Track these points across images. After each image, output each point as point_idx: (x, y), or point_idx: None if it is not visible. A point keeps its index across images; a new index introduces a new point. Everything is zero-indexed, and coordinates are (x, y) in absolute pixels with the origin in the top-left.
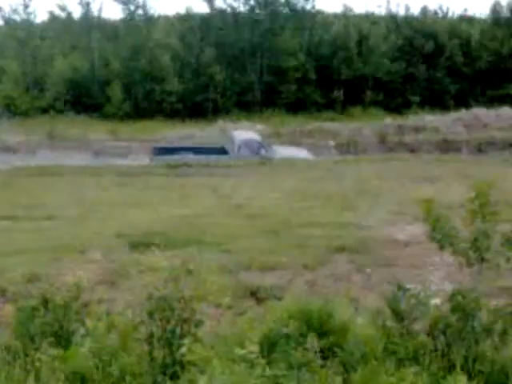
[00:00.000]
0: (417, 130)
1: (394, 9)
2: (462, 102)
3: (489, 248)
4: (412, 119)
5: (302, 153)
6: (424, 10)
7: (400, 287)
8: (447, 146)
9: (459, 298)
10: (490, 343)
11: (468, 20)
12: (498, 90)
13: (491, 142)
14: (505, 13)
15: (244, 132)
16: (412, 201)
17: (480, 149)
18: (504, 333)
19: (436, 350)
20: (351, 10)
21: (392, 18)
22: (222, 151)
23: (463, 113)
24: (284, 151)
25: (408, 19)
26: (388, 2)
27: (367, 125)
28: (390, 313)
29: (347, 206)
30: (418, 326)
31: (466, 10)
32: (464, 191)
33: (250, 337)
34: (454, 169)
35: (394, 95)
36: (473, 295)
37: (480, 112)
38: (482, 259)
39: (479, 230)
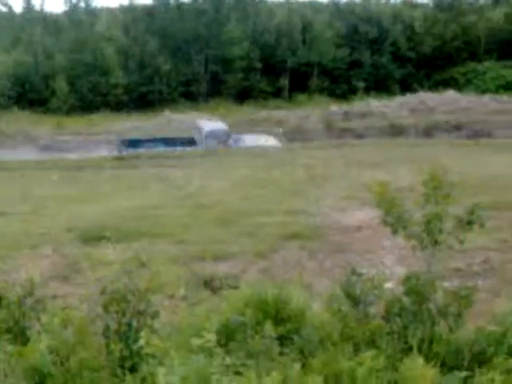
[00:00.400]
0: (363, 115)
1: None
2: (407, 86)
3: (442, 230)
4: (358, 105)
5: (269, 140)
6: None
7: (354, 272)
8: (394, 131)
9: (414, 280)
10: (445, 325)
11: (411, 5)
12: (442, 73)
13: (437, 126)
14: None
15: (211, 122)
16: (361, 186)
17: (426, 132)
18: (459, 314)
19: (392, 333)
20: None
21: (335, 4)
22: (191, 141)
23: (409, 97)
24: (252, 139)
25: (351, 6)
26: None
27: (314, 112)
28: (345, 298)
29: (297, 193)
30: (373, 310)
31: None
32: (412, 175)
33: (206, 327)
34: (401, 153)
35: (340, 82)
36: (427, 278)
37: (425, 96)
38: (435, 242)
39: (432, 212)
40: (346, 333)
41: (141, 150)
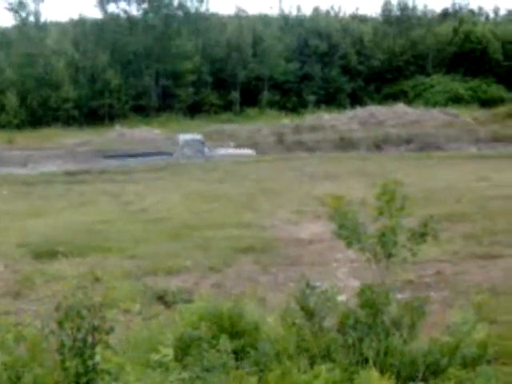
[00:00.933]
0: (314, 129)
1: (286, 10)
2: (358, 99)
3: (395, 243)
4: (309, 118)
5: (244, 151)
6: (316, 10)
7: (308, 285)
8: (344, 144)
9: (368, 293)
10: (400, 336)
11: (360, 19)
12: (392, 87)
13: (387, 139)
14: (395, 11)
15: (188, 134)
16: (313, 199)
17: (377, 145)
18: (412, 326)
19: (347, 346)
20: (244, 11)
21: (285, 18)
22: (161, 154)
23: (359, 110)
24: (227, 150)
25: (301, 19)
26: (280, 3)
27: (265, 125)
28: (300, 311)
29: (249, 207)
30: (327, 323)
31: (357, 8)
32: (363, 188)
33: (163, 341)
34: (352, 166)
35: (290, 95)
36: (381, 290)
37: (375, 109)
38: (390, 254)
39: (386, 225)
40: (301, 346)
41: (118, 163)
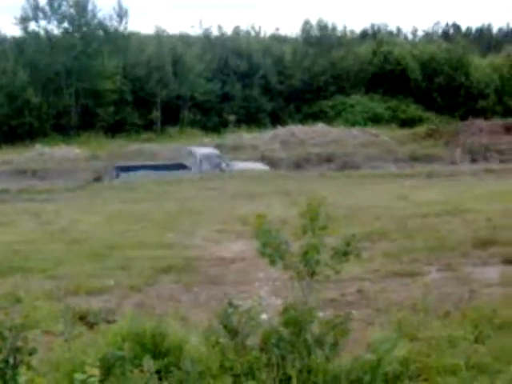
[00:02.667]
0: (235, 148)
1: (207, 29)
2: (278, 119)
3: (319, 261)
4: (230, 138)
5: (258, 165)
6: (237, 30)
7: (230, 304)
8: (266, 164)
9: (292, 311)
10: (322, 354)
11: (280, 39)
12: (312, 106)
13: (308, 158)
14: (315, 31)
15: (203, 147)
16: (235, 218)
17: (298, 164)
18: (335, 344)
19: (271, 364)
20: (165, 31)
21: (206, 38)
22: (181, 167)
23: (279, 130)
24: (242, 164)
25: (222, 39)
26: (201, 23)
27: (186, 145)
28: (223, 330)
29: (171, 226)
30: (251, 342)
31: (277, 29)
32: (285, 207)
33: (87, 361)
34: (273, 185)
35: (211, 114)
36: (305, 308)
37: (296, 129)
38: (313, 273)
39: (309, 244)
40: (224, 365)
41: (135, 175)
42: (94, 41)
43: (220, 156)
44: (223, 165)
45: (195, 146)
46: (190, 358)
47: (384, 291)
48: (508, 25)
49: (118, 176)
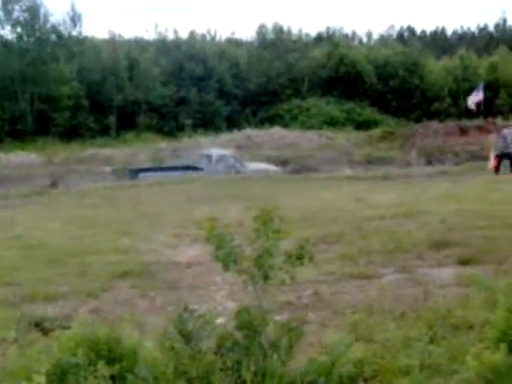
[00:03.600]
0: (191, 152)
1: (162, 33)
2: (234, 123)
3: (272, 265)
4: (186, 142)
5: (270, 167)
6: (192, 34)
7: (186, 309)
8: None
9: (245, 315)
10: (278, 358)
11: (236, 43)
12: (268, 110)
13: (264, 161)
14: (270, 35)
15: (217, 149)
16: (191, 222)
17: None
18: (290, 347)
19: (226, 368)
20: (120, 35)
21: (161, 42)
22: (192, 168)
23: (236, 134)
24: (255, 165)
25: (177, 43)
26: (156, 27)
27: (142, 149)
28: (178, 335)
29: (127, 231)
30: (206, 346)
31: (233, 33)
32: (241, 210)
33: (39, 369)
34: (229, 189)
35: (167, 119)
36: (259, 312)
37: (252, 133)
38: (266, 276)
39: (263, 248)
40: (179, 369)
41: (152, 175)
42: (47, 46)
43: (235, 157)
44: (238, 166)
45: (210, 148)
46: (144, 364)
47: (340, 293)
48: (462, 27)
49: (132, 177)
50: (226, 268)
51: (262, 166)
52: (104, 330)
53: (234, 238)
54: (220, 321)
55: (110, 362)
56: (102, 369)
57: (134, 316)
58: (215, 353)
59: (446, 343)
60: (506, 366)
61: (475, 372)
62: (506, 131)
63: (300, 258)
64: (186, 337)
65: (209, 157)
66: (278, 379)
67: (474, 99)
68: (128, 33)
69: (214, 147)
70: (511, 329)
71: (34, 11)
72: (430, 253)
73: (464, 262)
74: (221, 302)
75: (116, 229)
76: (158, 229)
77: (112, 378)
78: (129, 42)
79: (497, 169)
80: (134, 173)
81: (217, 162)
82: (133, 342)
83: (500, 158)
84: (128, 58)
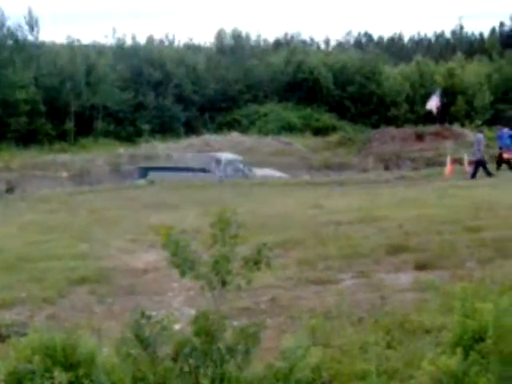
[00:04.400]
0: (149, 158)
1: (120, 38)
2: (192, 128)
3: (229, 271)
4: (144, 147)
5: (277, 173)
6: (150, 39)
7: (143, 315)
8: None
9: (203, 320)
10: (235, 363)
11: (194, 48)
12: (226, 116)
13: None
14: (229, 41)
15: (226, 153)
16: (148, 228)
17: None
18: (247, 352)
19: (183, 374)
20: (78, 40)
21: (119, 47)
22: (203, 171)
23: (194, 139)
24: (261, 171)
25: (135, 48)
26: (114, 32)
27: (100, 155)
28: (135, 341)
29: (84, 237)
30: (164, 352)
31: (191, 38)
32: (198, 216)
33: None
34: (187, 195)
35: (125, 124)
36: (216, 317)
37: (210, 138)
38: (224, 282)
39: (220, 253)
40: (137, 376)
41: (163, 175)
42: (4, 50)
43: (243, 162)
44: (246, 170)
45: (220, 152)
46: (101, 370)
47: (297, 299)
48: (419, 34)
49: (142, 176)
50: (182, 274)
51: (269, 171)
52: (61, 336)
53: (190, 243)
54: (177, 327)
55: (67, 368)
56: (59, 375)
57: (91, 322)
58: (173, 359)
59: (403, 348)
60: (461, 371)
61: (431, 377)
62: (480, 136)
63: (257, 263)
64: (143, 343)
65: (218, 160)
66: None
67: (433, 104)
68: (86, 38)
69: (225, 151)
70: (467, 333)
71: None
72: (387, 258)
73: (421, 267)
74: (178, 307)
75: (73, 234)
76: (115, 235)
77: None
78: (87, 47)
79: (474, 175)
80: (144, 171)
81: (225, 165)
82: (90, 349)
83: (478, 164)
84: (86, 63)
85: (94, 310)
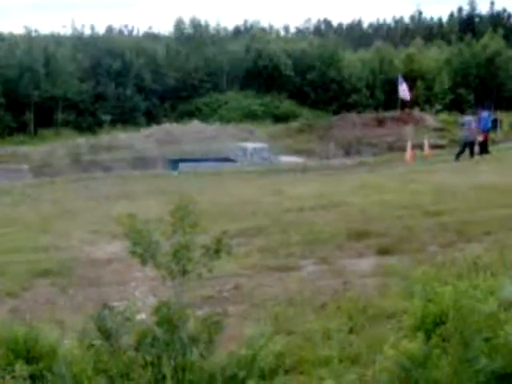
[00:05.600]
0: (110, 148)
1: (79, 28)
2: (153, 118)
3: (190, 259)
4: (105, 138)
5: (298, 159)
6: (109, 29)
7: (105, 306)
8: (141, 163)
9: (164, 310)
10: (198, 352)
11: (154, 37)
12: (187, 104)
13: (184, 156)
14: (188, 29)
15: (251, 142)
16: (110, 219)
17: None
18: (210, 341)
19: (145, 364)
20: (36, 31)
21: (78, 37)
22: (227, 160)
23: (155, 129)
24: (286, 158)
25: (94, 39)
26: (73, 22)
27: (60, 146)
28: (97, 332)
29: (46, 229)
30: (127, 343)
31: (150, 27)
32: (160, 206)
33: None
34: (148, 185)
35: (85, 115)
36: (178, 307)
37: (171, 127)
38: (184, 271)
39: (180, 242)
40: (99, 367)
41: (190, 167)
42: None
43: (268, 150)
44: (271, 158)
45: (245, 142)
46: (63, 362)
47: (260, 286)
48: (378, 20)
49: (174, 167)
50: (143, 263)
51: (292, 158)
52: (22, 329)
53: (151, 233)
54: (141, 316)
55: (29, 361)
56: (21, 368)
57: (54, 314)
58: (136, 349)
59: (366, 333)
60: (423, 354)
61: (393, 361)
62: (466, 119)
63: (217, 251)
64: (106, 334)
65: (244, 149)
66: (199, 374)
67: (405, 92)
68: (44, 28)
69: (251, 141)
70: (428, 317)
71: None
72: (349, 243)
73: (383, 252)
74: (142, 297)
75: (35, 227)
76: (77, 226)
77: (32, 377)
78: (45, 37)
79: (458, 156)
80: (175, 163)
81: (252, 154)
82: (52, 341)
83: (465, 145)
84: (44, 54)
85: (56, 302)
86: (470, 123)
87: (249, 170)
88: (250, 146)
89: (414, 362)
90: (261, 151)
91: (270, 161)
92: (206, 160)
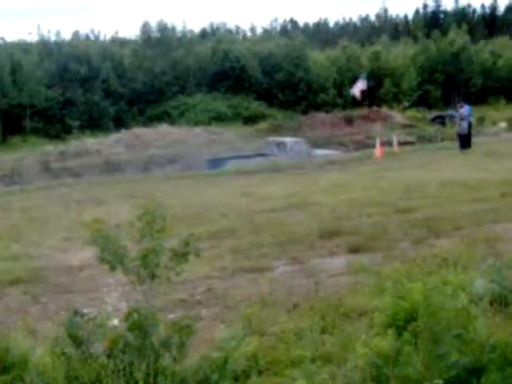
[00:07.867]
0: (79, 154)
1: (45, 35)
2: (122, 122)
3: (158, 264)
4: (74, 144)
5: (334, 152)
6: (76, 35)
7: (76, 313)
8: (111, 168)
9: (135, 315)
10: (169, 356)
11: (120, 42)
12: (155, 108)
13: (153, 160)
14: (155, 32)
15: (289, 137)
16: (80, 225)
17: (144, 167)
18: (181, 345)
19: (117, 370)
20: (2, 38)
21: (44, 44)
22: (261, 155)
23: (124, 133)
24: (321, 151)
25: (60, 45)
26: (39, 28)
27: (29, 153)
28: (68, 339)
29: (16, 238)
30: (99, 349)
31: (117, 32)
32: (130, 210)
33: None
34: (119, 189)
35: (54, 122)
36: (148, 311)
37: (140, 131)
38: (153, 276)
39: (148, 247)
40: (70, 374)
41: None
42: None
43: (306, 145)
44: (310, 151)
45: (282, 138)
46: (35, 371)
47: (233, 288)
48: (344, 18)
49: (211, 167)
50: (112, 269)
51: (326, 151)
52: None
53: (119, 238)
54: (114, 323)
55: (0, 371)
56: None
57: (26, 323)
58: (108, 355)
59: (338, 332)
60: (394, 351)
61: (365, 359)
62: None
63: (185, 254)
64: (77, 341)
65: (283, 144)
66: (171, 378)
67: (359, 87)
68: (10, 36)
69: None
70: (399, 314)
71: None
72: (320, 243)
73: (354, 250)
74: (114, 303)
75: (6, 236)
76: (48, 233)
77: None
78: (12, 45)
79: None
80: (212, 162)
81: (291, 148)
82: (23, 350)
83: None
84: (11, 61)
85: (28, 310)
86: (468, 116)
87: (218, 172)
88: (288, 140)
89: (386, 360)
90: (299, 145)
91: (310, 155)
92: (243, 157)
